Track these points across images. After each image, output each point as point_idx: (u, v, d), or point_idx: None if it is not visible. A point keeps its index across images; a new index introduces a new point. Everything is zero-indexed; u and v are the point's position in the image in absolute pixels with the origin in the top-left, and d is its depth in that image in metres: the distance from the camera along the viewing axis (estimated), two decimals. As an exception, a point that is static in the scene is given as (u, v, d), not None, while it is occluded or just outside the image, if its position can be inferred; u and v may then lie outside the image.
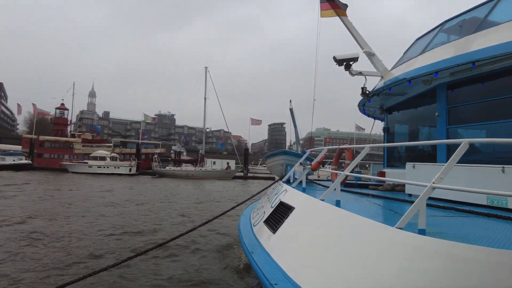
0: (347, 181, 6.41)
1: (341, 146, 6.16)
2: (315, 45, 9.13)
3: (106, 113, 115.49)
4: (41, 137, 52.86)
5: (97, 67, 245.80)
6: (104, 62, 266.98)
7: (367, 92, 7.39)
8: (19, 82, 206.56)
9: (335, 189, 3.69)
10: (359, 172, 9.89)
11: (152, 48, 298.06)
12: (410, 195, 5.03)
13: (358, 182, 6.98)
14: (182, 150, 69.85)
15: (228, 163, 54.39)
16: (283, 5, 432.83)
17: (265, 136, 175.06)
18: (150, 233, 9.02)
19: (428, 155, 6.50)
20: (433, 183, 2.27)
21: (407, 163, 4.99)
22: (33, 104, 59.95)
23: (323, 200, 3.62)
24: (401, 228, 2.24)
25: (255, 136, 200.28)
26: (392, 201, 4.45)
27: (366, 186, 6.58)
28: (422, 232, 2.20)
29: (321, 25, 8.47)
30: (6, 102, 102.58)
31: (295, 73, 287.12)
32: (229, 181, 39.81)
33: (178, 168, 45.66)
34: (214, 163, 56.61)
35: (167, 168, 45.84)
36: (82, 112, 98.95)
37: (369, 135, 26.47)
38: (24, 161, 45.95)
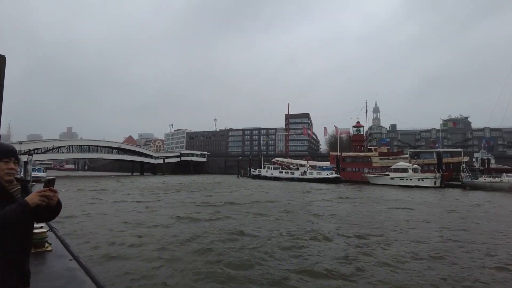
0: None
1: None
2: None
3: (393, 126, 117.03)
4: (344, 154, 60.30)
5: (384, 82, 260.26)
6: (396, 76, 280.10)
7: None
8: (319, 109, 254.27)
9: None
10: None
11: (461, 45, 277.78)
12: None
13: None
14: (489, 157, 57.76)
15: None
16: None
17: None
18: None
19: None
20: None
21: None
22: (335, 126, 70.25)
23: None
24: None
25: None
26: None
27: None
28: None
29: None
30: (312, 128, 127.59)
31: None
32: None
33: (497, 180, 37.22)
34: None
35: (481, 179, 38.51)
36: (370, 127, 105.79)
37: None
38: (334, 175, 53.80)
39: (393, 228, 12.23)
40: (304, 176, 56.68)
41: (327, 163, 64.49)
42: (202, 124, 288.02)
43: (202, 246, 9.08)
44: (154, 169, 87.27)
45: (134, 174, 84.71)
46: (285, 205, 19.47)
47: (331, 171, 55.83)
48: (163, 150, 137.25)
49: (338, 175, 53.83)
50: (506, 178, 36.80)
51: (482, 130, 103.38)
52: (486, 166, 46.79)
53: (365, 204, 20.83)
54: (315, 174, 56.10)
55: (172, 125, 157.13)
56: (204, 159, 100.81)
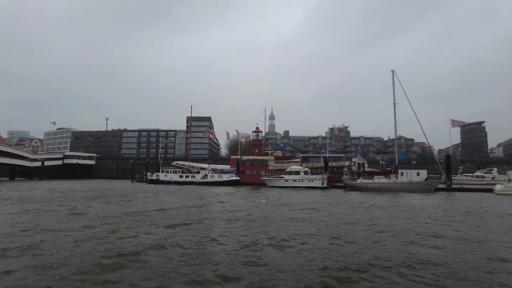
0: None
1: None
2: None
3: (286, 132, 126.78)
4: (243, 157, 62.04)
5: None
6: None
7: None
8: (220, 114, 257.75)
9: None
10: None
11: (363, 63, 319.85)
12: None
13: None
14: (364, 162, 67.52)
15: (418, 173, 49.35)
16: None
17: (456, 140, 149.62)
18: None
19: None
20: None
21: None
22: (237, 131, 71.61)
23: None
24: None
25: (441, 141, 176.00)
26: None
27: None
28: None
29: None
30: (214, 132, 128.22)
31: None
32: (432, 194, 34.84)
33: (370, 181, 43.62)
34: (402, 174, 51.82)
35: (358, 181, 44.52)
36: (267, 133, 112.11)
37: None
38: (235, 178, 54.83)
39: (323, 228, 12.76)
40: (206, 180, 56.14)
41: (227, 167, 65.31)
42: (92, 123, 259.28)
43: (108, 274, 7.64)
44: (29, 174, 74.28)
45: (2, 179, 70.20)
46: (189, 212, 18.59)
47: (231, 174, 56.73)
48: (41, 151, 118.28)
49: (238, 178, 55.07)
50: (377, 180, 43.47)
51: (358, 138, 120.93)
52: (362, 170, 54.40)
53: (273, 206, 21.47)
54: (216, 177, 56.13)
55: (54, 123, 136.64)
56: (92, 162, 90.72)
